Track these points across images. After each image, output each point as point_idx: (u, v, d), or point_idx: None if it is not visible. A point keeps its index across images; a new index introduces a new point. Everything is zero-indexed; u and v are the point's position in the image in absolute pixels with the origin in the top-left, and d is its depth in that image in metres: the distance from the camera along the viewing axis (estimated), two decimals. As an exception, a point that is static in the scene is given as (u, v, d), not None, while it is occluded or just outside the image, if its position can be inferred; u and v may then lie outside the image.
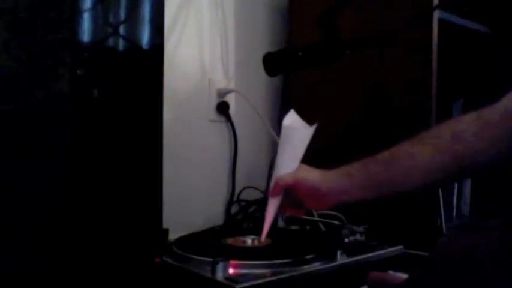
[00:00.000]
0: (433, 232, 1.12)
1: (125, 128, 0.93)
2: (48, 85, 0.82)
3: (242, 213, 1.31)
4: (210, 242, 1.00)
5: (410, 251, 0.98)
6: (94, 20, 0.88)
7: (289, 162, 0.86)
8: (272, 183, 0.87)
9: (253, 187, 1.35)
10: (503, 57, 1.43)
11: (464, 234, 0.54)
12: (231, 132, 1.35)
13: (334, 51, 0.97)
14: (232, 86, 1.36)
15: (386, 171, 0.77)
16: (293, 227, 1.15)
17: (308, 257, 0.86)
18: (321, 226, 1.15)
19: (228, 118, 1.34)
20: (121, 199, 0.92)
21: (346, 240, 0.99)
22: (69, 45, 0.84)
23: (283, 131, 0.88)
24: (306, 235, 1.12)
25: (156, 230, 0.98)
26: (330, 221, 1.13)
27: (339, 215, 1.12)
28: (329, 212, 1.13)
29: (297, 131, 0.87)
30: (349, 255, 0.89)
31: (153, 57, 0.99)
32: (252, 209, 1.30)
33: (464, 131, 0.73)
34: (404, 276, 0.64)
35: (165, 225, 1.02)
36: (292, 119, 0.89)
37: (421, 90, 1.12)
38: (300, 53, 1.00)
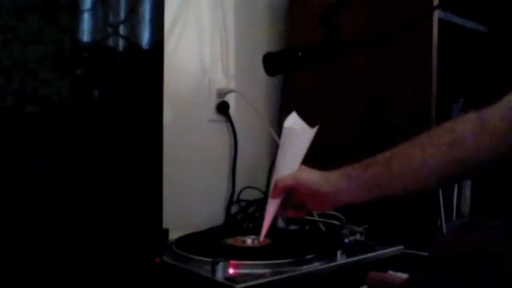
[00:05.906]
0: (433, 232, 1.12)
1: (125, 128, 0.93)
2: (48, 85, 0.82)
3: (242, 213, 1.31)
4: (210, 242, 1.00)
5: (410, 251, 0.98)
6: (94, 20, 0.88)
7: (290, 163, 0.86)
8: (272, 184, 0.87)
9: (253, 187, 1.35)
10: (503, 57, 1.43)
11: (464, 234, 0.54)
12: (231, 132, 1.35)
13: (334, 51, 0.97)
14: (232, 86, 1.36)
15: (386, 172, 0.77)
16: (293, 227, 1.15)
17: (308, 257, 0.86)
18: (321, 226, 1.15)
19: (228, 118, 1.34)
20: (121, 199, 0.92)
21: (346, 240, 0.99)
22: (69, 45, 0.84)
23: (285, 132, 0.88)
24: (306, 235, 1.12)
25: (156, 230, 0.98)
26: (330, 221, 1.13)
27: (339, 215, 1.12)
28: (329, 212, 1.13)
29: (298, 132, 0.87)
30: (349, 255, 0.89)
31: (153, 57, 0.99)
32: (252, 209, 1.30)
33: (464, 131, 0.73)
34: (404, 276, 0.64)
35: (165, 225, 1.02)
36: (293, 120, 0.89)
37: (421, 91, 1.12)
38: (300, 53, 1.00)
